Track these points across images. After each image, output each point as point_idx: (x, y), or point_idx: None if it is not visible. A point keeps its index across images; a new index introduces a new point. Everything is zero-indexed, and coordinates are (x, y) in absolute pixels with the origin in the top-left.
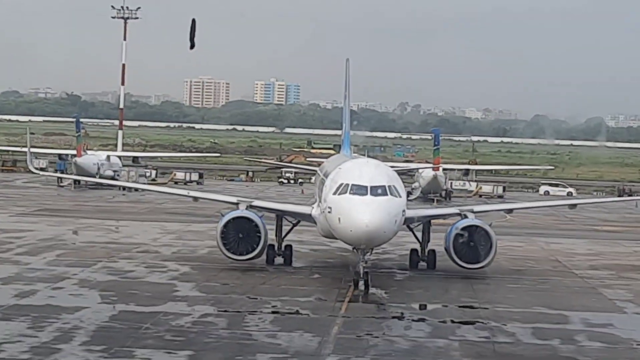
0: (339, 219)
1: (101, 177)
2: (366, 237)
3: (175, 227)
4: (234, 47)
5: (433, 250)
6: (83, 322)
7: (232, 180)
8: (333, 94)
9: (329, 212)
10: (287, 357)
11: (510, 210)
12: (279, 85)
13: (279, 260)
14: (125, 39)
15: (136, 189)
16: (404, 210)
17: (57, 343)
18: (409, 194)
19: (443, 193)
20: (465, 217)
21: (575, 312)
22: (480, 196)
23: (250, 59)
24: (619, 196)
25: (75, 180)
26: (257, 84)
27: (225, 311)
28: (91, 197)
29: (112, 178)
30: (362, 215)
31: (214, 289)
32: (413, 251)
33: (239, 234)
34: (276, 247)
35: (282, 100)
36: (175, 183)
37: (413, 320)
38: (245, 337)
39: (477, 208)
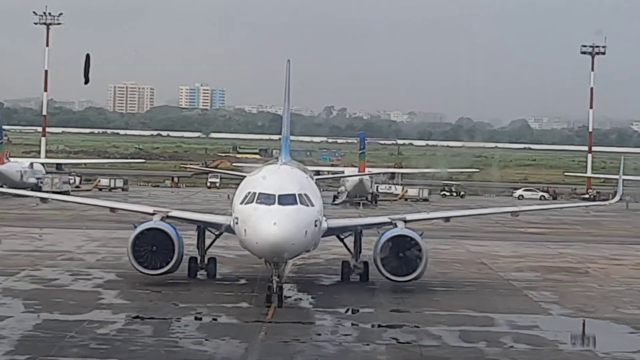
0: (245, 230)
1: (25, 184)
2: (272, 250)
3: (99, 234)
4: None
5: (366, 262)
6: (6, 332)
7: (158, 186)
8: (258, 98)
9: (236, 222)
10: None
11: (447, 219)
12: (203, 90)
13: (202, 274)
14: (47, 45)
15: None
16: (317, 221)
17: None
18: (334, 197)
19: (369, 197)
20: (395, 226)
21: (500, 315)
22: (406, 199)
23: (174, 64)
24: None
25: None
26: (181, 89)
27: (151, 318)
28: (14, 204)
29: (36, 185)
30: (268, 226)
31: (139, 297)
32: (344, 263)
33: (152, 247)
34: (198, 260)
35: (207, 105)
36: (100, 190)
37: (340, 325)
38: (172, 345)
39: (409, 217)
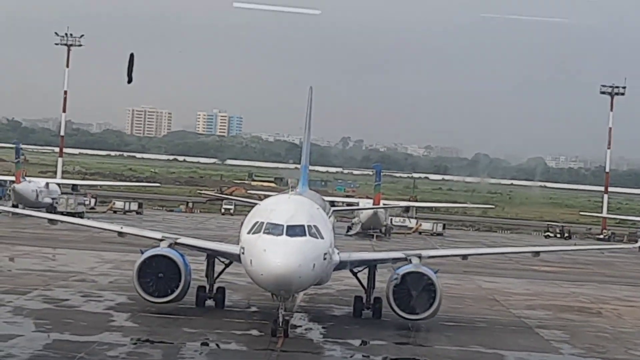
0: (251, 260)
1: (40, 204)
2: (278, 283)
3: (112, 256)
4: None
5: (379, 298)
6: (16, 350)
7: (172, 210)
8: (275, 126)
9: (242, 253)
10: None
11: (465, 257)
12: (221, 116)
13: (210, 303)
14: (67, 66)
15: (74, 217)
16: (326, 254)
17: None
18: (348, 229)
19: (383, 229)
20: (410, 262)
21: (511, 352)
22: (420, 233)
23: (192, 90)
24: (555, 236)
25: (13, 206)
26: (199, 115)
27: (160, 342)
28: (29, 224)
29: (51, 205)
30: (274, 257)
31: (150, 320)
32: (357, 299)
33: (158, 274)
34: (207, 289)
35: (224, 132)
36: (114, 212)
37: (349, 357)
38: None
39: (425, 253)
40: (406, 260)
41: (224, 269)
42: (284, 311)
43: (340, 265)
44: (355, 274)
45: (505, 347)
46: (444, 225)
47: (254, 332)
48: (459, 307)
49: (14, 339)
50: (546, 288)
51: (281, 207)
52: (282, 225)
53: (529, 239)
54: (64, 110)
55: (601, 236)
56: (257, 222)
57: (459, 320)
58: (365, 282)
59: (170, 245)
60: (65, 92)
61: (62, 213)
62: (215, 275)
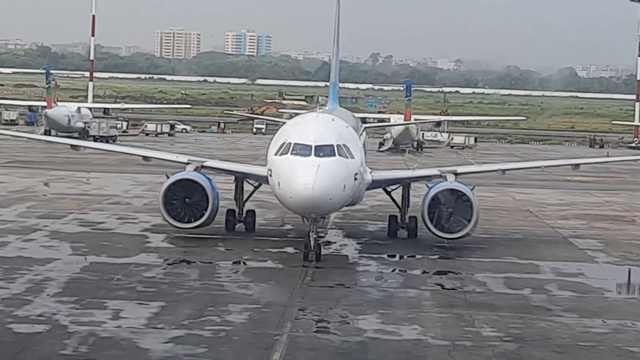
0: (279, 183)
1: (72, 129)
2: (307, 205)
3: (146, 178)
4: None
5: (414, 217)
6: (54, 274)
7: (204, 131)
8: (304, 45)
9: (270, 175)
10: (259, 308)
11: (503, 171)
12: (250, 36)
13: (240, 227)
14: None
15: (107, 140)
16: (357, 174)
17: (28, 294)
18: (380, 145)
19: (415, 144)
20: (445, 179)
21: (546, 262)
22: (452, 147)
23: (220, 10)
24: (590, 146)
25: (45, 132)
26: (228, 35)
27: (196, 262)
28: (62, 148)
29: (83, 129)
30: (303, 179)
31: (185, 241)
32: (391, 218)
33: (185, 199)
34: (237, 213)
35: (254, 52)
36: (146, 135)
37: (384, 271)
38: (217, 288)
39: (460, 169)
40: (441, 177)
41: (254, 191)
42: (315, 234)
43: (373, 185)
44: (389, 193)
45: (541, 258)
46: (476, 138)
47: (289, 249)
48: (493, 219)
49: (51, 262)
50: (580, 198)
51: (309, 127)
52: (310, 146)
53: (563, 150)
54: (93, 34)
55: (633, 144)
56: (285, 142)
57: (493, 232)
58: (399, 201)
59: (196, 169)
60: (94, 17)
61: (94, 137)
62: (245, 197)
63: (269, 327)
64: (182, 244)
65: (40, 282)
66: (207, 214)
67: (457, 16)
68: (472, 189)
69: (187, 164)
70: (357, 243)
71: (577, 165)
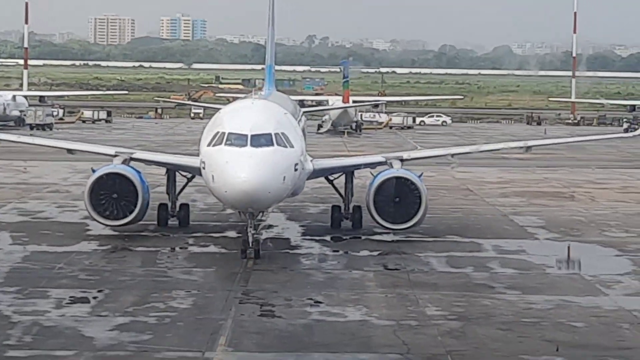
0: (213, 176)
1: (7, 117)
2: (244, 200)
3: (85, 166)
4: None
5: (358, 207)
6: None
7: (141, 117)
8: (240, 28)
9: (203, 167)
10: (203, 293)
11: (452, 156)
12: (184, 20)
13: (173, 222)
14: None
15: (43, 128)
16: (297, 164)
17: None
18: (319, 127)
19: (353, 125)
20: (391, 166)
21: (487, 240)
22: (391, 127)
23: None
24: (528, 123)
25: None
26: (162, 20)
27: (139, 248)
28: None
29: (19, 118)
30: (238, 172)
31: (127, 228)
32: (334, 208)
33: (113, 194)
34: (169, 207)
35: (189, 36)
36: (83, 122)
37: (327, 253)
38: (161, 274)
39: (407, 154)
40: (386, 163)
41: (186, 183)
42: (253, 230)
43: (315, 174)
44: (331, 182)
45: (482, 236)
46: (414, 118)
47: (232, 233)
48: (434, 199)
49: None
50: (519, 175)
51: (243, 115)
52: (246, 135)
53: (501, 127)
54: (27, 22)
55: (569, 121)
56: (218, 132)
57: (434, 211)
58: (342, 191)
59: (124, 161)
60: (27, 4)
61: (30, 125)
62: (177, 191)
63: (213, 312)
64: (123, 231)
65: None
66: (136, 209)
67: None
68: (419, 176)
69: (115, 156)
70: (300, 226)
71: (529, 147)
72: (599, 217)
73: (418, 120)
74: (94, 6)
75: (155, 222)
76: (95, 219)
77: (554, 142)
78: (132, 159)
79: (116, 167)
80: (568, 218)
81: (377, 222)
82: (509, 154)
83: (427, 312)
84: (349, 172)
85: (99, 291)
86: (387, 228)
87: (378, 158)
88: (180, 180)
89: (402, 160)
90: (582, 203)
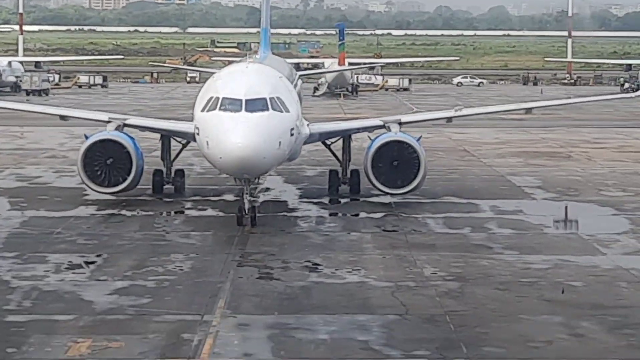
0: (207, 142)
1: (3, 83)
2: (239, 165)
3: (81, 131)
4: None
5: (356, 171)
6: None
7: (137, 82)
8: None
9: (197, 133)
10: (201, 256)
11: (449, 119)
12: None
13: (168, 188)
14: None
15: (40, 94)
16: (293, 129)
17: None
18: (315, 89)
19: (349, 87)
20: (389, 130)
21: (484, 200)
22: (387, 89)
23: None
24: (524, 84)
25: None
26: None
27: (136, 213)
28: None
29: (15, 84)
30: (233, 137)
31: (124, 193)
32: (332, 173)
33: (106, 161)
34: (164, 174)
35: (184, 0)
36: (79, 87)
37: (325, 215)
38: (159, 238)
39: (405, 118)
40: (384, 127)
41: (181, 149)
42: (249, 196)
43: (311, 139)
44: (328, 146)
45: (479, 197)
46: (410, 80)
47: (229, 197)
48: (431, 160)
49: None
50: (515, 135)
51: (238, 79)
52: (240, 100)
53: (496, 88)
54: None
55: (565, 81)
56: (212, 97)
57: (431, 173)
58: (340, 155)
59: (117, 128)
60: None
61: (26, 91)
62: (172, 157)
63: (212, 275)
64: (122, 195)
65: None
66: (130, 176)
67: None
68: (418, 140)
69: (108, 122)
70: (297, 188)
71: (529, 110)
72: (596, 177)
73: (455, 81)
74: None
75: (151, 189)
76: (89, 186)
77: (555, 103)
78: (125, 125)
79: (109, 133)
80: (565, 178)
81: (375, 187)
82: (505, 114)
83: (425, 273)
84: (346, 136)
85: (98, 255)
86: (385, 192)
87: (376, 122)
88: (175, 145)
89: (400, 123)
90: (579, 163)
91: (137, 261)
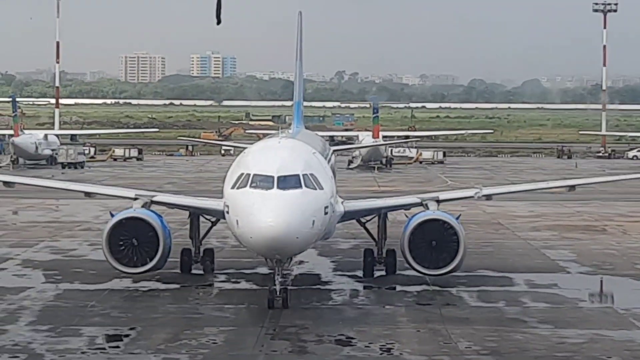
0: (237, 221)
1: (40, 156)
2: (271, 246)
3: (116, 204)
4: (167, 20)
5: (392, 251)
6: (28, 302)
7: (172, 155)
8: (269, 65)
9: (227, 212)
10: (235, 329)
11: (489, 197)
12: (215, 58)
13: (197, 268)
14: (58, 16)
15: (75, 167)
16: (327, 207)
17: (3, 324)
18: (349, 162)
19: (384, 160)
20: (427, 207)
21: (519, 274)
22: (421, 162)
23: (184, 33)
24: (558, 157)
25: (12, 160)
26: (192, 58)
27: (171, 285)
28: (30, 176)
29: (51, 156)
30: (264, 216)
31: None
32: (367, 252)
33: (132, 240)
34: (193, 253)
35: (219, 73)
36: (114, 160)
37: (358, 289)
38: (193, 312)
39: (443, 195)
40: (422, 205)
41: (211, 227)
42: (281, 277)
43: (346, 216)
44: (363, 224)
45: (514, 270)
46: (444, 152)
47: (263, 269)
48: (465, 233)
49: (24, 291)
50: (550, 209)
51: (270, 155)
52: (272, 177)
53: (531, 161)
54: (58, 61)
55: (601, 154)
56: (242, 174)
57: (466, 246)
58: (375, 233)
59: (144, 205)
60: (58, 43)
61: (62, 164)
62: (201, 236)
63: (245, 348)
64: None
65: (14, 311)
66: (157, 256)
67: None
68: (457, 218)
69: (135, 199)
70: (330, 261)
71: (572, 187)
72: (632, 251)
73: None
74: (125, 45)
75: (179, 269)
76: (114, 266)
77: (599, 181)
78: (153, 202)
79: (136, 211)
80: (600, 251)
81: (413, 267)
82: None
83: (459, 347)
84: (382, 214)
85: (131, 329)
86: (423, 274)
87: (413, 199)
88: (204, 223)
89: (438, 201)
90: (614, 236)
91: (170, 334)
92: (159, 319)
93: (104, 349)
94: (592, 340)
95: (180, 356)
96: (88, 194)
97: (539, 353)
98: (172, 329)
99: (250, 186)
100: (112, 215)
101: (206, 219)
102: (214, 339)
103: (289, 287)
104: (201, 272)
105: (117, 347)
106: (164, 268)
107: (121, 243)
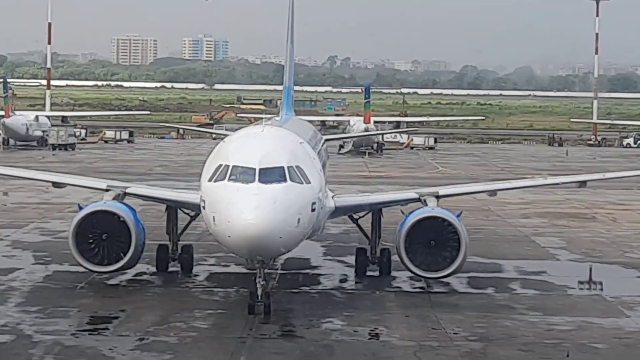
0: (214, 217)
1: (30, 137)
2: (251, 246)
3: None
4: (160, 3)
5: (387, 250)
6: (17, 283)
7: (163, 137)
8: (262, 49)
9: (203, 207)
10: (225, 312)
11: (493, 193)
12: (207, 41)
13: (174, 265)
14: None
15: (66, 148)
16: (314, 202)
17: None
18: (340, 147)
19: (375, 146)
20: (425, 204)
21: (509, 261)
22: (412, 148)
23: (176, 16)
24: (549, 144)
25: (3, 141)
26: (184, 41)
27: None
28: (21, 157)
29: (42, 138)
30: (244, 213)
31: (150, 248)
32: (359, 251)
33: (102, 235)
34: (170, 249)
35: (211, 57)
36: (105, 142)
37: (348, 274)
38: (183, 294)
39: (442, 191)
40: (419, 200)
41: (190, 222)
42: (262, 281)
43: (336, 213)
44: (355, 221)
45: (504, 257)
46: (436, 139)
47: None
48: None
49: (13, 272)
50: (540, 196)
51: (252, 145)
52: (254, 169)
53: (522, 149)
54: (49, 43)
55: (591, 142)
56: (221, 165)
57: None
58: (368, 231)
59: (116, 197)
60: (50, 24)
61: (53, 145)
62: (179, 231)
63: (234, 332)
64: (147, 251)
65: (3, 292)
66: (129, 254)
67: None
68: (458, 216)
69: (106, 190)
70: (321, 245)
71: (583, 183)
72: (621, 238)
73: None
74: (117, 27)
75: (154, 267)
76: (81, 264)
77: (612, 176)
78: (126, 194)
79: (106, 204)
80: (589, 239)
81: (409, 269)
82: (531, 174)
83: (448, 332)
84: (376, 210)
85: (121, 310)
86: (420, 276)
87: (410, 194)
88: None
89: (437, 196)
90: (604, 224)
91: (159, 317)
92: (148, 301)
93: (93, 330)
94: (581, 327)
95: (169, 339)
96: (57, 184)
97: (527, 339)
98: (161, 312)
99: (229, 179)
100: (81, 208)
101: (185, 212)
102: (203, 323)
103: (271, 291)
104: (178, 269)
105: (106, 329)
106: (135, 267)
107: (90, 239)
